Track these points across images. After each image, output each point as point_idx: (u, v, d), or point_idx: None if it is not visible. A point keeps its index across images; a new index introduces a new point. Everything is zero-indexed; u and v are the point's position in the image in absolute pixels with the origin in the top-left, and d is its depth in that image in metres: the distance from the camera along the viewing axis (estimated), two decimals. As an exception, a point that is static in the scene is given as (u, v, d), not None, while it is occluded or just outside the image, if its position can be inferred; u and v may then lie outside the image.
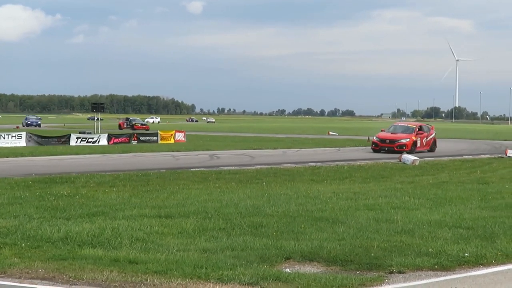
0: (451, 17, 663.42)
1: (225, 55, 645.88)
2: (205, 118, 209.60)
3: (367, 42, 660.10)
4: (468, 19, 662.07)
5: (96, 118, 76.25)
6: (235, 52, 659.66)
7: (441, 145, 53.17)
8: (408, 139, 41.97)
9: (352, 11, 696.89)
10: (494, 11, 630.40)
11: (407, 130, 43.74)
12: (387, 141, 42.27)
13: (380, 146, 42.10)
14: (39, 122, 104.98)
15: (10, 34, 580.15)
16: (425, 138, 43.76)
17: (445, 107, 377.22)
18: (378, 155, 39.58)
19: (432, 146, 44.41)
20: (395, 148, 41.25)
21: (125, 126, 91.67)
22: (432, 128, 46.06)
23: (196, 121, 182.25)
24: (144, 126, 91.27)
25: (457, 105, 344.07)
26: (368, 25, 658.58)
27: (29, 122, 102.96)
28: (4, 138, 44.79)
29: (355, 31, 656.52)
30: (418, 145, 42.51)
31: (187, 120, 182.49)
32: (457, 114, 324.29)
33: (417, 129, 43.58)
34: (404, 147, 41.12)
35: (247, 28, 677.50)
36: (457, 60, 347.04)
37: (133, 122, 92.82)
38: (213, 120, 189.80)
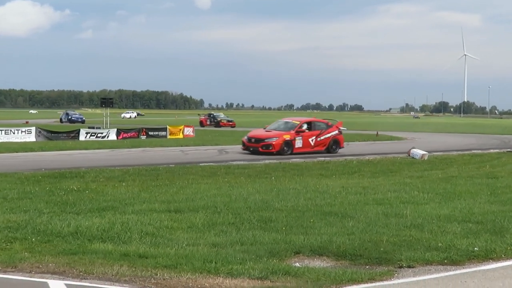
0: (458, 12, 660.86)
1: (234, 50, 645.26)
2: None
3: (375, 37, 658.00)
4: (475, 13, 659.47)
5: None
6: (244, 46, 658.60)
7: (448, 140, 53.05)
8: (276, 139, 34.85)
9: (360, 6, 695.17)
10: (501, 5, 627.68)
11: (286, 127, 36.53)
12: (253, 140, 35.46)
13: (247, 146, 35.39)
14: (84, 118, 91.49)
15: (19, 29, 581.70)
16: (314, 137, 36.25)
17: (453, 101, 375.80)
18: (388, 148, 39.45)
19: (331, 146, 36.91)
20: (259, 148, 34.56)
21: (208, 123, 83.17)
22: (336, 126, 38.43)
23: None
24: (230, 123, 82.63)
25: (465, 100, 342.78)
26: (376, 20, 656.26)
27: (73, 118, 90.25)
28: (14, 133, 45.02)
29: (362, 25, 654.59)
30: (299, 145, 35.46)
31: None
32: (465, 108, 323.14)
33: (299, 127, 36.16)
34: (271, 148, 34.42)
35: (255, 22, 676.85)
36: (465, 55, 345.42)
37: (219, 119, 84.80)
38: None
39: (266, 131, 36.77)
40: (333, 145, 37.17)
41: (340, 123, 39.52)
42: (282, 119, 40.12)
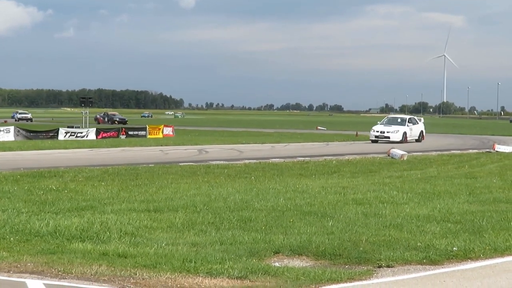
0: (443, 13, 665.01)
1: (215, 50, 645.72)
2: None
3: (359, 37, 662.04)
4: (460, 15, 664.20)
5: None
6: (226, 47, 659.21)
7: (427, 140, 53.22)
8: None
9: (346, 6, 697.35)
10: (487, 7, 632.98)
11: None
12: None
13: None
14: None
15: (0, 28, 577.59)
16: None
17: (433, 102, 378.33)
18: (367, 149, 39.51)
19: None
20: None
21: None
22: None
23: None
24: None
25: (445, 100, 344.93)
26: (361, 21, 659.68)
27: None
28: (-8, 132, 44.69)
29: (347, 26, 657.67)
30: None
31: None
32: (445, 109, 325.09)
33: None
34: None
35: (239, 23, 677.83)
36: (444, 55, 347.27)
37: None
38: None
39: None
40: None
41: None
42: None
